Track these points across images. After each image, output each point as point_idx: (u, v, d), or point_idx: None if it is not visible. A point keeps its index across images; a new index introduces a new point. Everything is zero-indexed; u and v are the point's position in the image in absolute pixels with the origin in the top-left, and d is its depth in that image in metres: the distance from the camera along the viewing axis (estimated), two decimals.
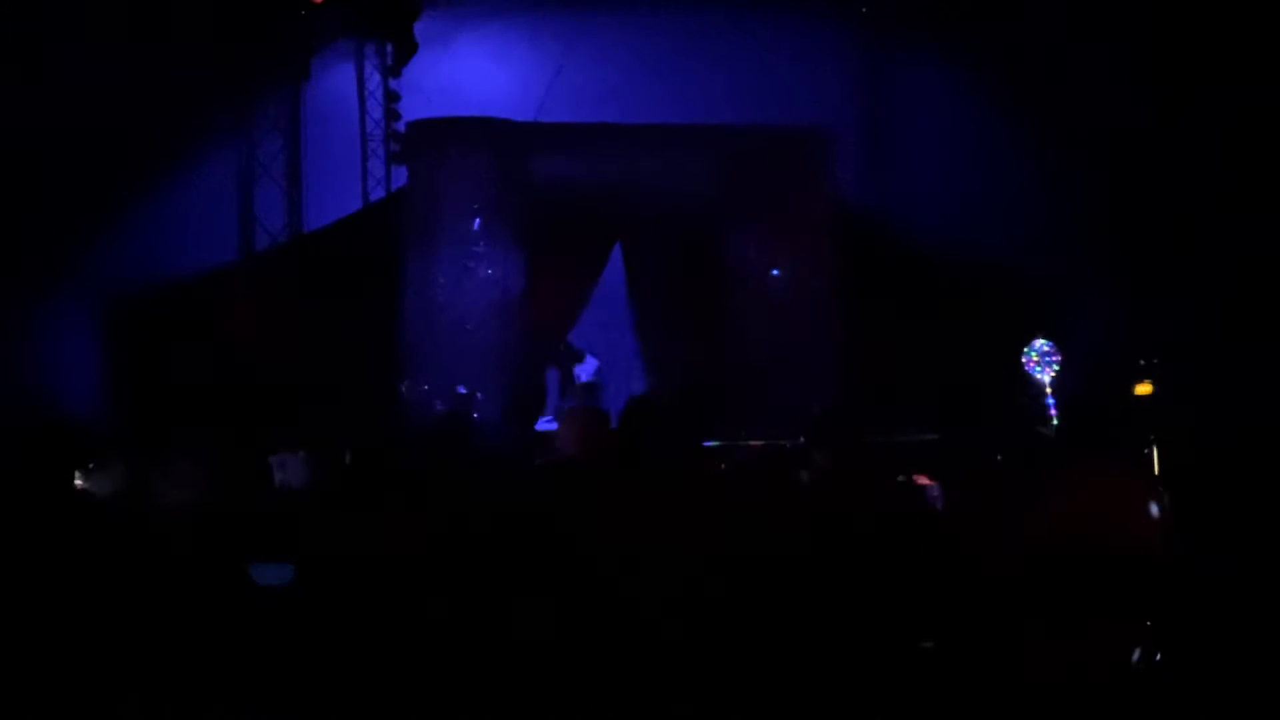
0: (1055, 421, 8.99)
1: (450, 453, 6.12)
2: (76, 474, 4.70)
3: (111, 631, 3.71)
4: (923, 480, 4.73)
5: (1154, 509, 3.53)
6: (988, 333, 10.76)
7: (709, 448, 9.00)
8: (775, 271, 12.09)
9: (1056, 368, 9.80)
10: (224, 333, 11.08)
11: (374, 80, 13.68)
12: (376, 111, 13.68)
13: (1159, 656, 3.46)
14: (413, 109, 12.77)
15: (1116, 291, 10.57)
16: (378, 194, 13.49)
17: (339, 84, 13.35)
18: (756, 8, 12.84)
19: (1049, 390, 9.45)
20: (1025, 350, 10.09)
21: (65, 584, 3.79)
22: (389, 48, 13.05)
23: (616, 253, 12.40)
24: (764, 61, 12.69)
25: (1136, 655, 3.40)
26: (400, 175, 12.82)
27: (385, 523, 4.22)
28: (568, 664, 3.64)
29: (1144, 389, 9.12)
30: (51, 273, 10.17)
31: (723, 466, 7.07)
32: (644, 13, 12.88)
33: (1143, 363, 9.26)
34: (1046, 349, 9.97)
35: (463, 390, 10.91)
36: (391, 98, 13.47)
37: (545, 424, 11.58)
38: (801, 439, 8.39)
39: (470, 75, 12.96)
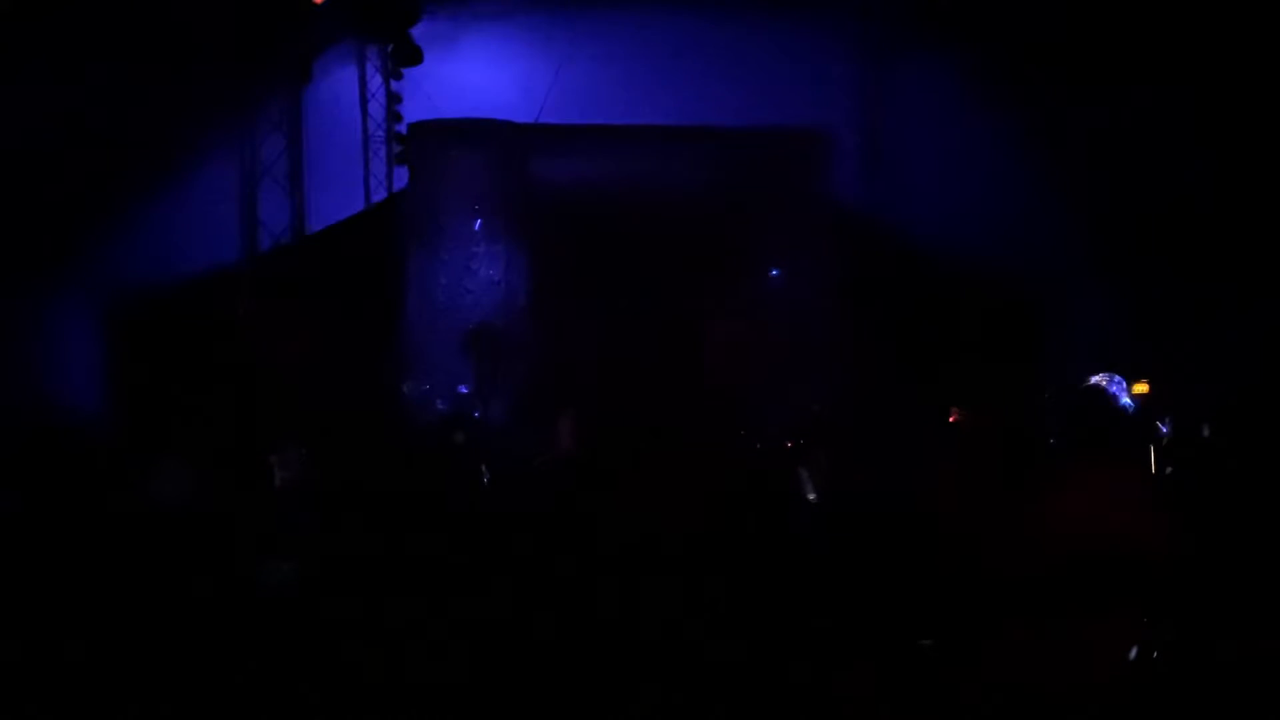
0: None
1: (453, 451, 6.16)
2: (78, 474, 4.72)
3: (113, 631, 3.74)
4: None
5: (1152, 509, 3.56)
6: (985, 332, 10.80)
7: None
8: (775, 271, 12.13)
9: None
10: (227, 333, 11.08)
11: (376, 82, 13.71)
12: (378, 113, 13.70)
13: (1158, 656, 3.49)
14: (414, 110, 12.81)
15: (1114, 292, 10.60)
16: (380, 195, 13.52)
17: (341, 85, 13.37)
18: (756, 10, 12.85)
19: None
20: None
21: (66, 583, 3.82)
22: (390, 49, 13.07)
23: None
24: (764, 63, 12.71)
25: (1135, 655, 3.43)
26: (402, 176, 12.85)
27: (390, 522, 4.24)
28: (570, 661, 3.67)
29: (1141, 388, 9.13)
30: (55, 274, 10.19)
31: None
32: (644, 15, 12.90)
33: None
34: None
35: (464, 390, 10.94)
36: (393, 99, 13.50)
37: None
38: (801, 438, 8.43)
39: (471, 77, 12.98)
